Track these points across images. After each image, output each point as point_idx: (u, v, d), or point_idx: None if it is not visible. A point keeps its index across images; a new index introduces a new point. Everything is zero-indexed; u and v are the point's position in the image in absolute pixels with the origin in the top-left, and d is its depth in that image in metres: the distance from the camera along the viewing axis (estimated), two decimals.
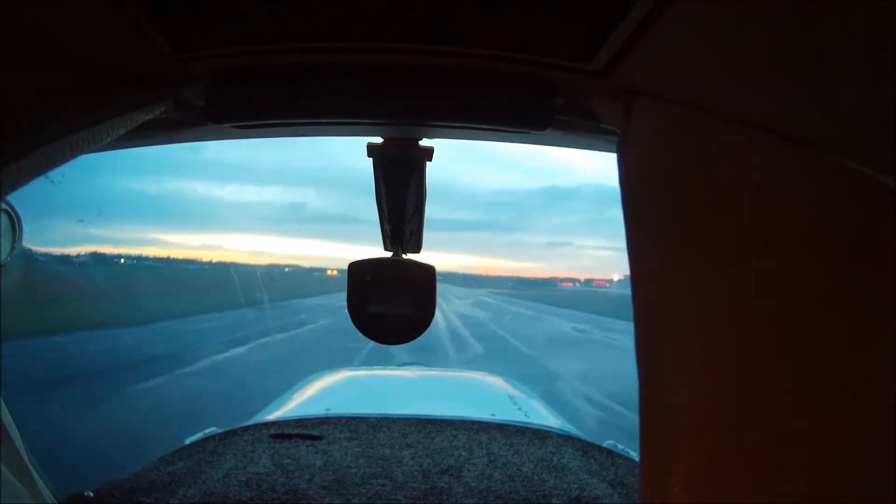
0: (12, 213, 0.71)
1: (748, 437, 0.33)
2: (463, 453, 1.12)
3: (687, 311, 0.36)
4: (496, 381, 2.18)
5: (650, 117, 0.41)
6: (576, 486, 0.99)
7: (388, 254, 0.79)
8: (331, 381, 2.04)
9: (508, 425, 1.29)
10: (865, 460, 0.32)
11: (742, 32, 0.31)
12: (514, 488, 0.98)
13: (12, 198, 0.69)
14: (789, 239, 0.33)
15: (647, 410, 0.38)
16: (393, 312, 0.74)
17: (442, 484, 0.98)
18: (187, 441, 1.22)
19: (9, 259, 0.72)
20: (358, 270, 0.73)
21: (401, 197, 0.68)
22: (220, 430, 1.24)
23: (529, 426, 1.30)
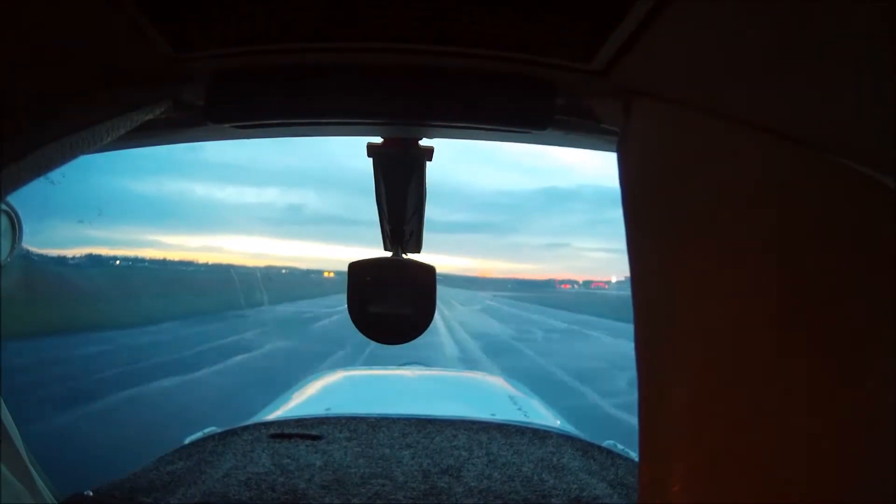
0: (12, 214, 0.71)
1: (748, 437, 0.33)
2: (463, 453, 1.12)
3: (687, 311, 0.36)
4: (496, 381, 2.18)
5: (650, 117, 0.41)
6: (575, 486, 0.99)
7: (388, 254, 0.79)
8: (330, 381, 2.04)
9: (508, 425, 1.29)
10: (865, 460, 0.32)
11: (742, 32, 0.31)
12: (513, 488, 0.98)
13: (12, 198, 0.69)
14: (789, 239, 0.33)
15: (647, 410, 0.38)
16: (393, 312, 0.74)
17: (442, 484, 0.98)
18: (187, 441, 1.22)
19: (9, 259, 0.72)
20: (358, 270, 0.73)
21: (401, 197, 0.68)
22: (219, 430, 1.24)
23: (529, 426, 1.30)
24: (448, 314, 18.27)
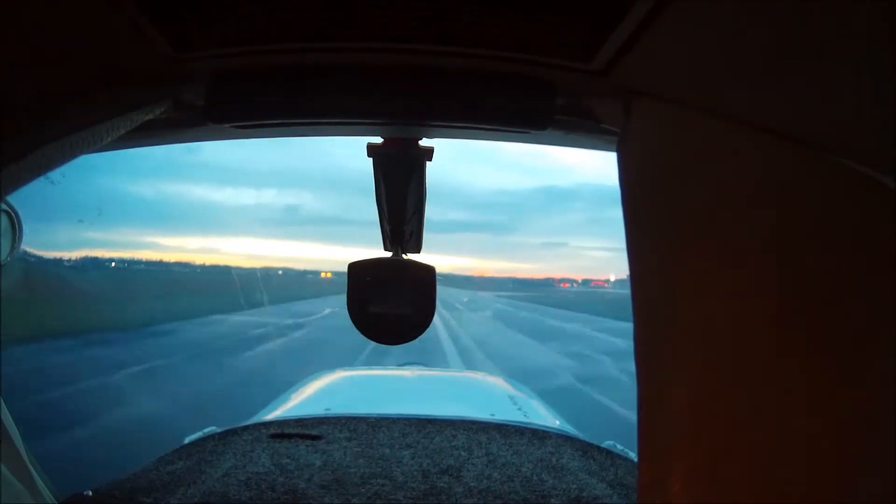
0: (12, 214, 0.71)
1: (747, 437, 0.33)
2: (462, 453, 1.12)
3: (686, 311, 0.36)
4: (496, 381, 2.18)
5: (650, 117, 0.41)
6: (575, 486, 0.99)
7: (388, 254, 0.79)
8: (330, 381, 2.04)
9: (508, 425, 1.29)
10: (865, 460, 0.32)
11: (742, 32, 0.31)
12: (513, 488, 0.98)
13: (12, 198, 0.69)
14: (789, 239, 0.33)
15: (646, 410, 0.38)
16: (393, 312, 0.74)
17: (441, 484, 0.98)
18: (187, 440, 1.22)
19: (9, 259, 0.71)
20: (358, 270, 0.73)
21: (401, 197, 0.68)
22: (219, 430, 1.24)
23: (529, 426, 1.30)
24: (455, 325, 14.66)
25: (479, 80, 0.46)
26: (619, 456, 1.14)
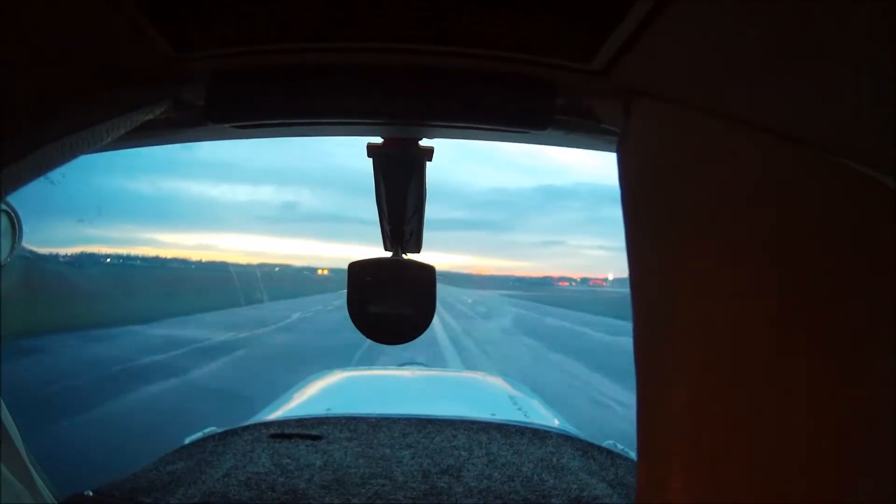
0: (12, 214, 0.71)
1: (747, 437, 0.33)
2: (463, 453, 1.12)
3: (686, 311, 0.36)
4: (496, 381, 2.18)
5: (650, 117, 0.41)
6: (575, 486, 0.99)
7: (388, 254, 0.79)
8: (331, 381, 2.04)
9: (508, 425, 1.29)
10: (865, 460, 0.32)
11: (742, 32, 0.31)
12: (513, 488, 0.98)
13: (12, 198, 0.69)
14: (789, 239, 0.33)
15: (646, 410, 0.38)
16: (393, 312, 0.74)
17: (442, 484, 0.98)
18: (187, 441, 1.22)
19: (9, 259, 0.71)
20: (358, 270, 0.73)
21: (401, 197, 0.68)
22: (219, 430, 1.24)
23: (529, 426, 1.30)
24: (470, 345, 10.36)
25: (479, 80, 0.46)
26: (619, 456, 1.14)
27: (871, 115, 0.32)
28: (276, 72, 0.47)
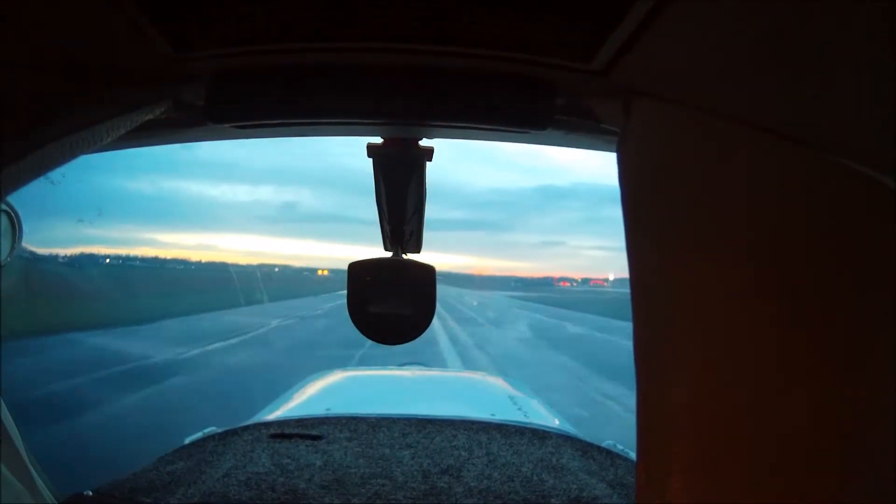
0: (12, 214, 0.71)
1: (747, 437, 0.33)
2: (462, 453, 1.12)
3: (687, 311, 0.36)
4: (496, 382, 2.18)
5: (650, 117, 0.41)
6: (575, 486, 0.99)
7: (388, 254, 0.79)
8: (331, 381, 2.04)
9: (508, 425, 1.29)
10: (865, 460, 0.32)
11: (742, 32, 0.31)
12: (513, 488, 0.98)
13: (12, 198, 0.69)
14: (789, 239, 0.33)
15: (645, 410, 0.38)
16: (393, 312, 0.74)
17: (442, 484, 0.98)
18: (187, 441, 1.22)
19: (9, 259, 0.71)
20: (358, 270, 0.73)
21: (401, 197, 0.68)
22: (219, 430, 1.24)
23: (529, 426, 1.30)
24: (486, 364, 8.17)
25: (479, 80, 0.46)
26: (619, 456, 1.14)
27: (871, 115, 0.32)
28: (276, 72, 0.47)
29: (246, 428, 1.23)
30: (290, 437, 1.18)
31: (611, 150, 0.47)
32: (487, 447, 1.16)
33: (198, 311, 13.65)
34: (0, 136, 0.37)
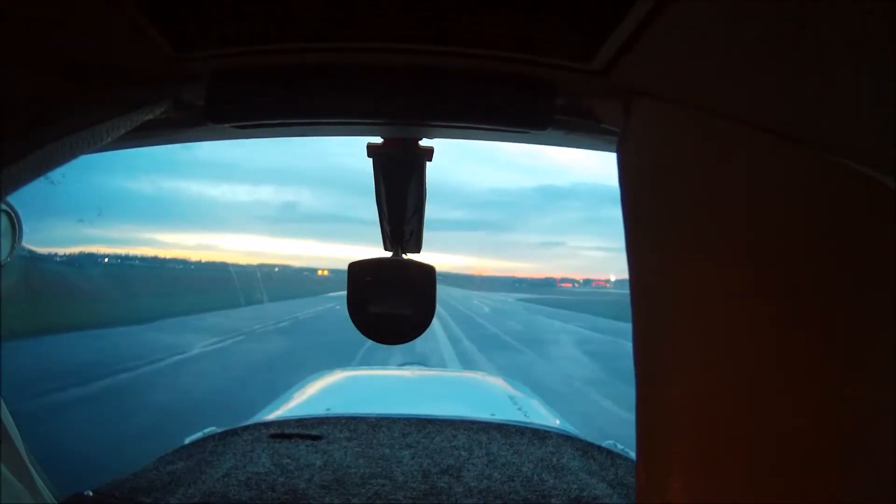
0: (12, 214, 0.71)
1: (747, 437, 0.33)
2: (463, 453, 1.12)
3: (686, 311, 0.36)
4: (496, 382, 2.18)
5: (650, 117, 0.41)
6: (575, 486, 0.99)
7: (388, 254, 0.79)
8: (331, 381, 2.04)
9: (508, 425, 1.29)
10: (865, 460, 0.32)
11: (742, 32, 0.31)
12: (513, 488, 0.98)
13: (12, 198, 0.69)
14: (789, 239, 0.33)
15: (645, 410, 0.38)
16: (393, 312, 0.74)
17: (442, 484, 0.98)
18: (187, 441, 1.22)
19: (9, 259, 0.72)
20: (358, 270, 0.73)
21: (401, 197, 0.68)
22: (219, 430, 1.24)
23: (529, 426, 1.30)
24: None
25: (479, 80, 0.46)
26: (619, 456, 1.14)
27: (871, 115, 0.32)
28: (276, 72, 0.47)
29: (246, 428, 1.23)
30: (290, 437, 1.18)
31: (611, 150, 0.47)
32: (487, 447, 1.16)
33: (198, 311, 13.67)
34: (0, 136, 0.37)
